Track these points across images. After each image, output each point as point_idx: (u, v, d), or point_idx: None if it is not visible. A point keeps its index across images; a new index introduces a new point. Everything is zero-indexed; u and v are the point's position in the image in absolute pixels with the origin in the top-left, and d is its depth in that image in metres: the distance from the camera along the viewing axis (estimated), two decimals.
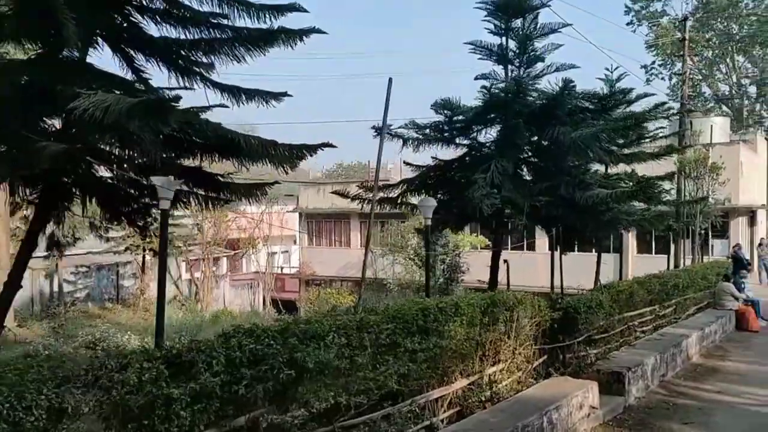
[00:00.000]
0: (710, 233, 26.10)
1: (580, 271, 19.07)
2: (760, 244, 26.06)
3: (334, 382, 4.71)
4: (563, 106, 9.32)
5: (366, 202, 10.77)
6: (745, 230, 27.94)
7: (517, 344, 7.68)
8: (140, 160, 6.19)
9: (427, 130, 10.88)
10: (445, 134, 10.68)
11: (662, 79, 43.61)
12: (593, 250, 29.43)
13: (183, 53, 6.07)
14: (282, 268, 43.68)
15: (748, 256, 24.91)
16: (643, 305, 12.39)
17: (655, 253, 26.24)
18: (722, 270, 16.66)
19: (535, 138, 9.98)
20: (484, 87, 9.90)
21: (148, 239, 22.31)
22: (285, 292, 37.40)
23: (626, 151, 15.10)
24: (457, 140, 10.81)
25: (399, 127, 11.02)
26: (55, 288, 24.54)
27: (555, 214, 9.43)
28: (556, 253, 11.26)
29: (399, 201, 10.64)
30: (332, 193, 11.80)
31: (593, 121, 9.63)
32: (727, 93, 44.54)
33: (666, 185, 17.82)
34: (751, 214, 28.94)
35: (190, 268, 27.88)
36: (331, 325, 4.69)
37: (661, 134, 14.44)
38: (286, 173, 7.01)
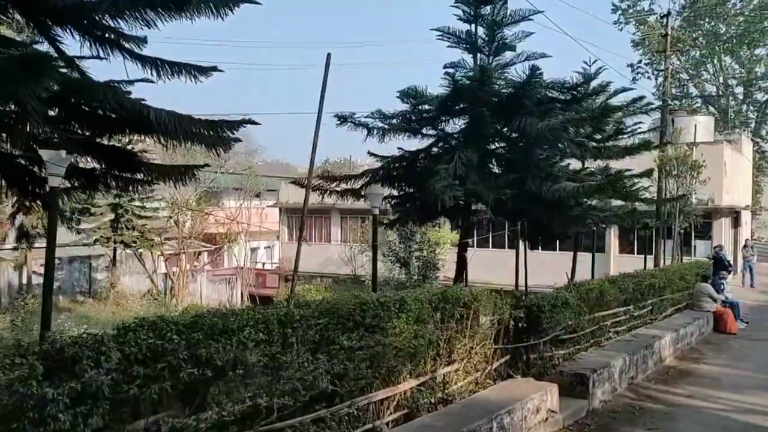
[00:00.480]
0: (693, 234, 25.89)
1: (558, 270, 18.71)
2: (745, 246, 25.86)
3: (252, 381, 4.26)
4: (531, 96, 8.91)
5: (327, 193, 10.33)
6: (729, 231, 27.72)
7: (474, 343, 7.26)
8: (42, 134, 5.68)
9: (394, 120, 10.47)
10: (412, 124, 10.27)
11: (648, 78, 43.46)
12: (574, 250, 29.41)
13: (91, 16, 5.57)
14: (264, 263, 43.25)
15: (730, 258, 24.72)
16: (617, 305, 12.03)
17: (638, 253, 25.89)
18: (701, 270, 16.37)
19: (504, 129, 9.58)
20: (447, 74, 9.47)
21: (119, 231, 21.74)
22: (266, 288, 36.91)
23: (604, 146, 14.79)
24: (424, 131, 10.40)
25: (366, 117, 10.58)
26: (24, 280, 23.90)
27: (521, 207, 9.03)
28: (528, 250, 10.89)
29: (363, 193, 10.20)
30: (290, 183, 11.35)
31: (563, 112, 9.23)
32: (714, 93, 44.42)
33: (645, 183, 17.53)
34: (735, 215, 28.73)
35: (166, 261, 27.31)
36: (248, 319, 4.23)
37: (639, 130, 14.09)
38: (218, 155, 6.55)
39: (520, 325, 8.78)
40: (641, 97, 13.70)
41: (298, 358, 4.58)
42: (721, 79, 43.59)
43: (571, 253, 28.12)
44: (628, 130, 14.10)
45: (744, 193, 31.36)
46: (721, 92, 43.49)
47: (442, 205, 8.47)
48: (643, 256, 23.33)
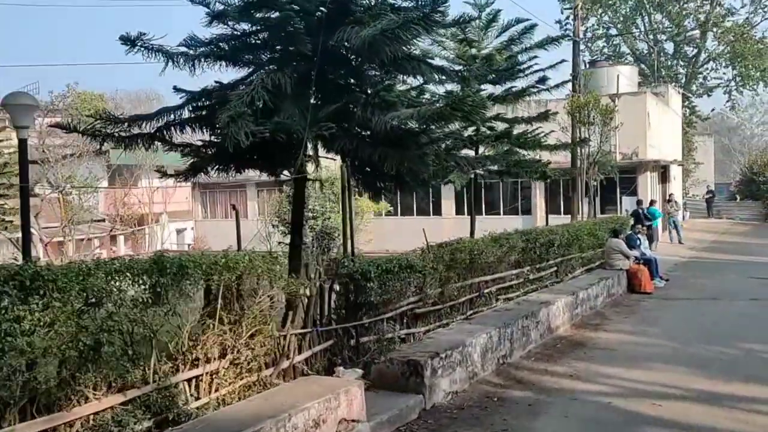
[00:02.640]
0: (618, 189, 24.52)
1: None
2: (668, 201, 24.64)
3: None
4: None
5: (109, 138, 7.88)
6: (656, 186, 26.46)
7: (243, 330, 5.11)
8: None
9: (211, 46, 8.11)
10: (228, 50, 7.96)
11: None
12: (501, 213, 27.78)
13: None
14: (189, 244, 40.67)
15: (661, 214, 23.38)
16: (507, 267, 10.18)
17: (564, 213, 24.39)
18: (615, 225, 14.71)
19: (332, 45, 7.35)
20: None
21: None
22: None
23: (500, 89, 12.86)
24: (245, 57, 8.13)
25: (179, 44, 8.18)
26: None
27: (350, 145, 6.91)
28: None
29: (159, 137, 7.86)
30: (51, 127, 8.85)
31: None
32: (645, 51, 43.25)
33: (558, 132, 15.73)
34: (662, 170, 27.51)
35: (46, 245, 24.24)
36: None
37: (536, 66, 12.18)
38: None
39: (351, 298, 6.73)
40: (534, 25, 11.71)
41: None
42: (651, 36, 42.39)
43: (496, 216, 26.64)
44: (524, 66, 12.08)
45: (672, 147, 30.24)
46: (652, 48, 42.30)
47: (239, 146, 6.26)
48: (569, 216, 21.86)
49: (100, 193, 33.97)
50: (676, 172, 30.90)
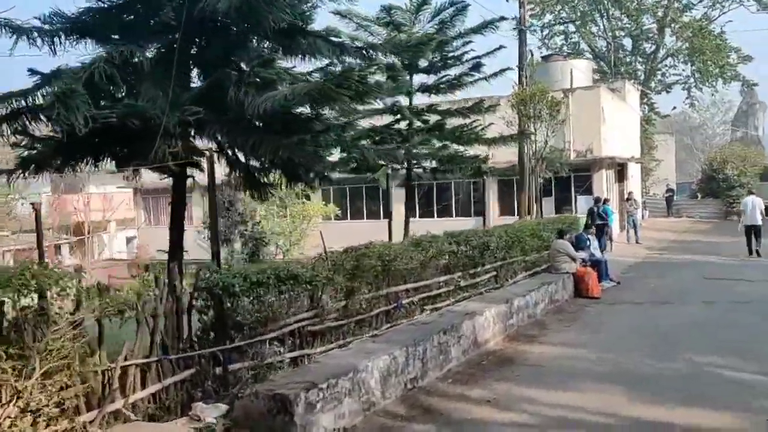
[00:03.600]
0: (573, 188, 23.77)
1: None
2: (627, 199, 23.97)
3: None
4: None
5: None
6: (613, 185, 25.79)
7: (37, 366, 3.93)
8: None
9: (76, 22, 6.93)
10: (94, 25, 6.78)
11: (533, 31, 40.95)
12: (453, 215, 26.83)
13: None
14: (135, 253, 39.14)
15: (615, 213, 22.66)
16: (435, 274, 9.16)
17: (518, 214, 23.52)
18: (562, 226, 13.81)
19: (205, 15, 6.20)
20: None
21: None
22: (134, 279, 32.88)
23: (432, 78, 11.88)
24: (114, 34, 6.95)
25: (42, 21, 6.95)
26: None
27: (221, 132, 5.78)
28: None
29: (19, 129, 6.64)
30: None
31: None
32: (603, 49, 42.89)
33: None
34: (619, 168, 26.87)
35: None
36: None
37: (471, 53, 11.20)
38: None
39: (221, 317, 5.60)
40: (466, 6, 10.73)
41: None
42: (609, 33, 42.04)
43: (448, 219, 25.68)
44: (455, 52, 11.09)
45: (630, 144, 29.67)
46: (610, 45, 41.92)
47: (76, 134, 5.08)
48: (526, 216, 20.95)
49: (44, 202, 32.34)
50: (634, 170, 30.35)
